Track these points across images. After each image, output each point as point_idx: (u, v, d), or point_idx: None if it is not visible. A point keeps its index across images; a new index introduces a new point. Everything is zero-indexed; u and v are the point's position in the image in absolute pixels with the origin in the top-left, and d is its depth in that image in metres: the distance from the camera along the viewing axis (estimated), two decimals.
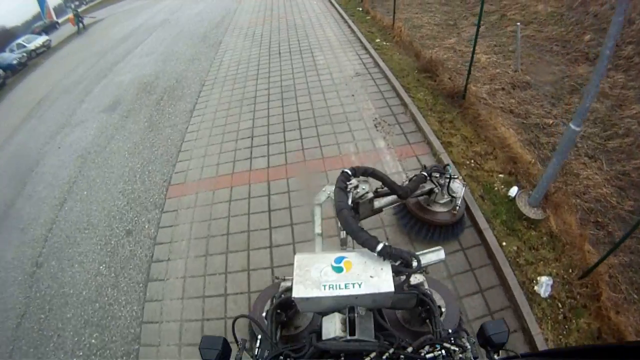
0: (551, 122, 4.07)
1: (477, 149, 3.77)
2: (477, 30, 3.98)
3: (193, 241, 3.45)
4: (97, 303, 3.14)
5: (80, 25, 16.89)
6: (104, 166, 5.03)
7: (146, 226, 3.79)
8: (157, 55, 9.18)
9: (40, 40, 16.62)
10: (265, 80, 6.24)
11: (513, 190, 3.18)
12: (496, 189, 3.29)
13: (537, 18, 6.41)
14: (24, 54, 15.14)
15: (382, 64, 5.91)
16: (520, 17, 6.42)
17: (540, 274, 2.56)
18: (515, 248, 2.77)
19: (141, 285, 3.18)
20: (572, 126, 2.42)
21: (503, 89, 4.78)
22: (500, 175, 3.42)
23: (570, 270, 2.57)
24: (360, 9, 9.44)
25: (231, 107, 5.60)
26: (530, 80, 4.87)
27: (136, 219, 3.92)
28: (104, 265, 3.48)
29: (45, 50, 16.29)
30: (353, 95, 5.29)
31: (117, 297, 3.14)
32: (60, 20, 21.61)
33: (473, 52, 4.15)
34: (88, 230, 3.98)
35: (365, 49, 6.70)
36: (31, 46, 15.92)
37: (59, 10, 23.36)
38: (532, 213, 2.97)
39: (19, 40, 16.22)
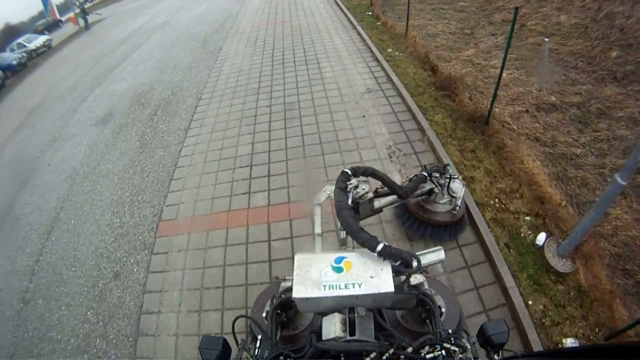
0: (579, 151, 4.16)
1: (501, 185, 3.82)
2: (506, 54, 4.01)
3: (185, 293, 3.50)
4: (86, 354, 3.25)
5: (86, 21, 18.90)
6: (92, 192, 5.31)
7: (135, 269, 3.89)
8: (154, 61, 9.96)
9: (40, 40, 18.40)
10: (267, 95, 6.50)
11: (541, 238, 3.22)
12: (522, 235, 3.33)
13: (559, 30, 6.77)
14: (24, 54, 16.68)
15: (395, 78, 6.09)
16: (541, 28, 6.83)
17: (566, 336, 2.62)
18: (541, 307, 2.83)
19: (131, 339, 3.27)
20: (619, 179, 2.36)
21: (527, 111, 4.91)
22: (527, 218, 3.47)
23: (597, 330, 2.62)
24: (370, 13, 9.95)
25: (229, 126, 5.80)
26: (555, 101, 5.00)
27: (124, 259, 4.04)
28: (91, 312, 3.61)
29: (46, 50, 17.94)
30: (364, 117, 5.36)
31: (107, 350, 3.24)
32: (63, 19, 23.89)
33: (500, 76, 4.19)
34: (75, 267, 4.16)
35: (377, 60, 6.98)
36: (31, 46, 17.59)
37: (64, 8, 25.58)
38: (561, 265, 3.01)
39: (20, 40, 17.90)
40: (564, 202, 3.49)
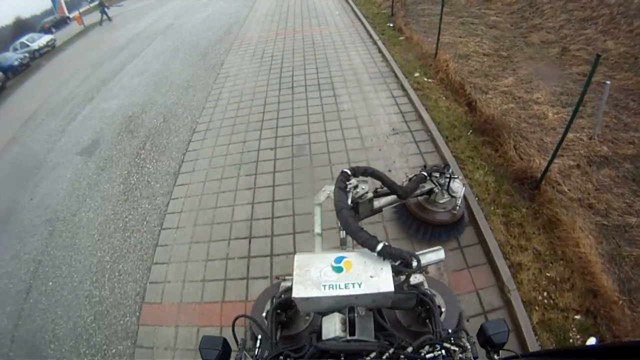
0: (634, 221, 4.17)
1: (551, 273, 3.79)
2: (572, 118, 3.97)
3: None
4: None
5: (106, 14, 22.22)
6: (71, 247, 5.60)
7: None
8: (149, 75, 11.28)
9: (44, 39, 21.83)
10: (272, 131, 6.73)
11: (590, 343, 3.22)
12: (571, 340, 3.32)
13: (607, 58, 7.02)
14: (27, 55, 19.43)
15: (425, 115, 6.13)
16: (587, 55, 7.27)
17: None
18: None
19: None
20: None
21: (578, 165, 4.92)
22: (577, 317, 3.45)
23: None
24: (391, 25, 10.82)
25: (225, 175, 5.92)
26: (607, 152, 5.05)
27: (105, 347, 4.14)
28: None
29: (49, 50, 21.30)
30: (390, 171, 5.28)
31: None
32: (71, 15, 27.58)
33: (563, 137, 4.15)
34: (54, 345, 4.34)
35: (403, 87, 7.25)
36: (34, 46, 20.56)
37: (74, 4, 29.52)
38: None
39: (23, 39, 20.88)
40: (620, 302, 3.40)
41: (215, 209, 5.40)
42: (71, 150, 8.38)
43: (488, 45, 8.45)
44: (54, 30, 25.97)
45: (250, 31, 13.31)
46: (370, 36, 10.35)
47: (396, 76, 7.79)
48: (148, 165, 6.92)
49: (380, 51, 9.25)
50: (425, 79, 7.34)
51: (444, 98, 6.68)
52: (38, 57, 20.44)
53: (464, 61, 7.73)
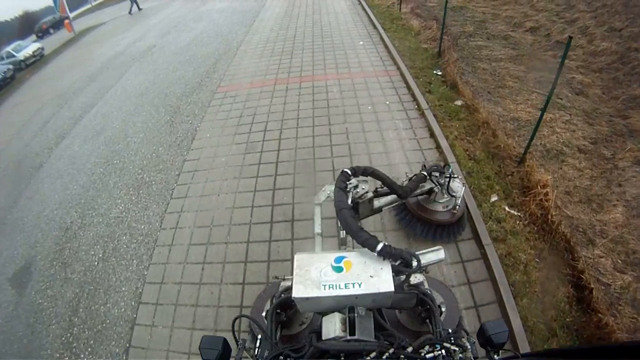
0: None
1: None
2: None
3: None
4: None
5: (135, 5, 23.18)
6: None
7: None
8: (103, 143, 8.28)
9: (30, 48, 20.51)
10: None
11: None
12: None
13: None
14: (10, 67, 18.50)
15: (512, 311, 3.60)
16: None
17: None
18: None
19: None
20: None
21: None
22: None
23: None
24: (440, 73, 7.83)
25: None
26: None
27: None
28: None
29: (38, 60, 20.01)
30: None
31: None
32: (72, 15, 27.03)
33: None
34: None
35: (476, 232, 4.38)
36: (20, 56, 19.52)
37: (77, 3, 29.21)
38: None
39: (9, 48, 20.04)
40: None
41: None
42: (3, 271, 5.80)
43: (581, 129, 5.95)
44: (52, 31, 25.51)
45: (241, 71, 9.88)
46: (413, 96, 7.15)
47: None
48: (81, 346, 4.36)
49: (430, 130, 6.21)
50: (507, 210, 4.65)
51: (535, 263, 4.10)
52: (25, 67, 19.24)
53: (556, 166, 5.25)
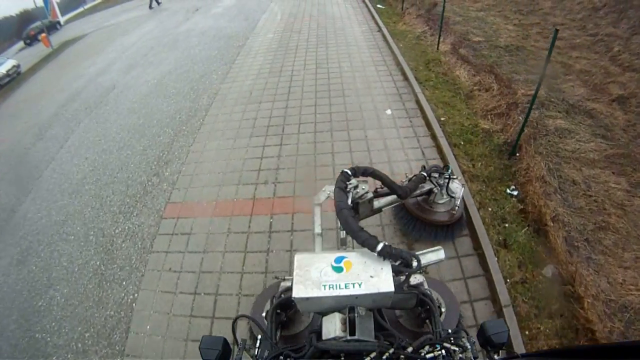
0: None
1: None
2: None
3: None
4: None
5: (155, 2, 23.40)
6: None
7: None
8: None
9: (5, 66, 18.14)
10: None
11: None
12: None
13: None
14: None
15: None
16: None
17: None
18: None
19: None
20: None
21: None
22: None
23: None
24: (515, 193, 4.89)
25: None
26: None
27: None
28: None
29: (13, 79, 17.78)
30: None
31: None
32: (63, 19, 27.06)
33: None
34: None
35: None
36: None
37: (70, 6, 29.44)
38: None
39: None
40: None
41: None
42: None
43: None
44: (39, 38, 23.38)
45: (204, 169, 6.32)
46: (482, 262, 4.17)
47: None
48: None
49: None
50: None
51: None
52: None
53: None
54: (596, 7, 9.49)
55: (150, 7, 23.44)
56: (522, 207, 4.75)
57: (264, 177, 5.86)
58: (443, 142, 5.80)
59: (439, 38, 9.04)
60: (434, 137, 6.10)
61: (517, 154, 5.44)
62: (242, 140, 6.81)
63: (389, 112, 6.79)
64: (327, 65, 9.50)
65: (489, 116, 6.41)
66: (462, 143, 5.86)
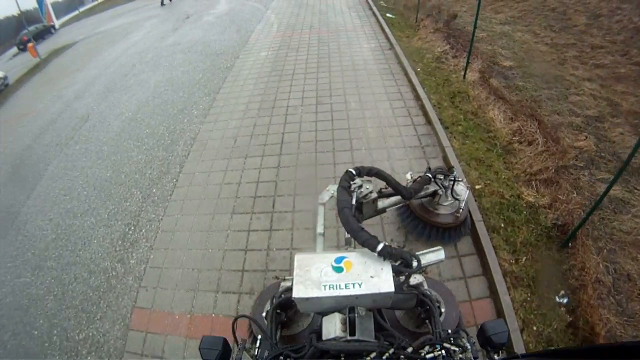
0: None
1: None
2: None
3: None
4: None
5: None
6: None
7: None
8: None
9: None
10: None
11: None
12: None
13: None
14: None
15: None
16: None
17: None
18: None
19: None
20: None
21: None
22: None
23: None
24: (565, 301, 3.45)
25: None
26: None
27: None
28: None
29: (1, 90, 16.62)
30: None
31: None
32: (57, 24, 26.83)
33: None
34: None
35: None
36: None
37: (65, 9, 29.40)
38: None
39: None
40: None
41: None
42: None
43: None
44: (33, 42, 22.35)
45: (172, 277, 4.66)
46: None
47: None
48: None
49: None
50: None
51: None
52: None
53: None
54: (638, 27, 8.02)
55: (162, 4, 23.99)
56: (571, 318, 3.48)
57: (248, 283, 4.31)
58: (480, 227, 4.26)
59: (466, 65, 7.31)
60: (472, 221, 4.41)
61: (570, 244, 4.05)
62: (221, 219, 5.24)
63: (409, 176, 4.30)
64: (331, 100, 7.61)
65: (533, 183, 4.79)
66: (502, 225, 4.33)
